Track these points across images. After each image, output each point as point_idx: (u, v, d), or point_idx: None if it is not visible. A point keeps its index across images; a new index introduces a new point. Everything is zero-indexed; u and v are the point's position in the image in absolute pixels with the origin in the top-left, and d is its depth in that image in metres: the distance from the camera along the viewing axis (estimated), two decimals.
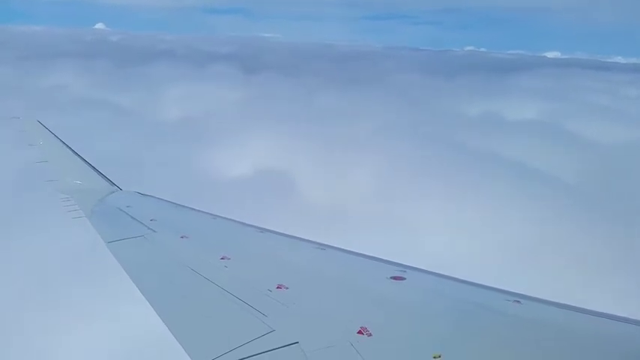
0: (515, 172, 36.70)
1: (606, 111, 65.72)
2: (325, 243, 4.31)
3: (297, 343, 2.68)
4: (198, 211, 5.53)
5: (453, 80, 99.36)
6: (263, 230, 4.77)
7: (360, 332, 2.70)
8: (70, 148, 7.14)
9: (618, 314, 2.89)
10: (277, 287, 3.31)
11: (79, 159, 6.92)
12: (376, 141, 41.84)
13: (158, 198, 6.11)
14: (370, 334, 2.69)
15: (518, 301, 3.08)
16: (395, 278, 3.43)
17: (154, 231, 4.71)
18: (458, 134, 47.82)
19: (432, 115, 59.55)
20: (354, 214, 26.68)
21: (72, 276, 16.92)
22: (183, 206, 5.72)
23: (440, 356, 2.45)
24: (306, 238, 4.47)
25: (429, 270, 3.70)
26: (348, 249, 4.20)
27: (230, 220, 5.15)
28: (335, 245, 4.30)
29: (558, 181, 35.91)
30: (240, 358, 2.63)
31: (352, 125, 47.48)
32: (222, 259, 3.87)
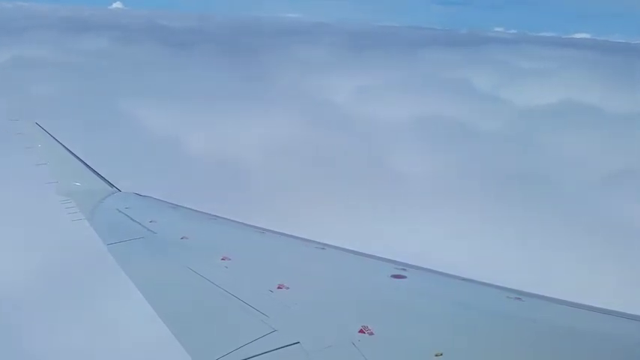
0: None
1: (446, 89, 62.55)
2: (326, 242, 4.31)
3: (298, 343, 2.68)
4: (198, 211, 5.52)
5: (370, 55, 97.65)
6: (263, 230, 4.76)
7: (361, 331, 2.69)
8: (68, 150, 7.12)
9: (619, 310, 2.89)
10: (278, 287, 3.30)
11: (77, 161, 6.90)
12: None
13: (157, 199, 6.09)
14: (372, 333, 2.68)
15: (519, 298, 3.08)
16: (396, 277, 3.42)
17: (154, 232, 4.70)
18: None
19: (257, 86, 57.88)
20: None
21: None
22: (182, 207, 5.71)
23: (442, 354, 2.44)
24: (307, 237, 4.47)
25: (429, 268, 3.70)
26: (349, 248, 4.20)
27: (230, 220, 5.14)
28: (335, 245, 4.30)
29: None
30: (242, 358, 2.63)
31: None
32: (222, 259, 3.86)
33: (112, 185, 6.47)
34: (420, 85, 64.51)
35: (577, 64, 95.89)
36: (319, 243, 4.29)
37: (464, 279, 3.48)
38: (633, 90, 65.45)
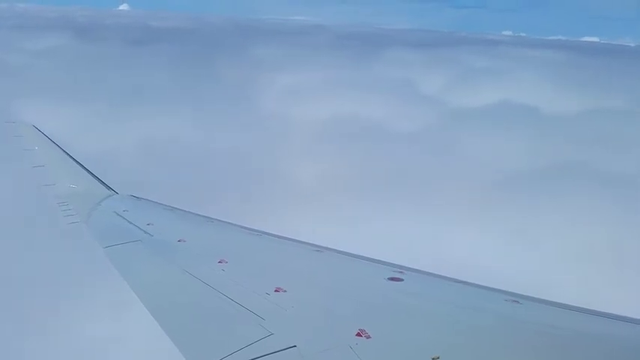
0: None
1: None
2: (323, 245, 4.30)
3: (295, 346, 2.67)
4: (195, 214, 5.51)
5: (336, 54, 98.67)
6: (260, 233, 4.76)
7: (358, 334, 2.68)
8: (65, 152, 7.11)
9: (618, 313, 2.89)
10: (275, 290, 3.30)
11: (74, 163, 6.89)
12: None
13: (154, 202, 6.09)
14: (369, 337, 2.67)
15: (516, 301, 3.08)
16: (393, 279, 3.42)
17: (151, 235, 4.70)
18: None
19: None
20: None
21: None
22: (179, 210, 5.70)
23: (439, 357, 2.44)
24: (304, 240, 4.46)
25: (426, 271, 3.69)
26: (346, 251, 4.20)
27: (227, 223, 5.14)
28: (332, 247, 4.30)
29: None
30: None
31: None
32: (219, 262, 3.85)
33: (109, 188, 6.46)
34: (356, 85, 64.03)
35: (546, 65, 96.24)
36: (316, 246, 4.28)
37: (461, 282, 3.48)
38: (573, 90, 65.52)
